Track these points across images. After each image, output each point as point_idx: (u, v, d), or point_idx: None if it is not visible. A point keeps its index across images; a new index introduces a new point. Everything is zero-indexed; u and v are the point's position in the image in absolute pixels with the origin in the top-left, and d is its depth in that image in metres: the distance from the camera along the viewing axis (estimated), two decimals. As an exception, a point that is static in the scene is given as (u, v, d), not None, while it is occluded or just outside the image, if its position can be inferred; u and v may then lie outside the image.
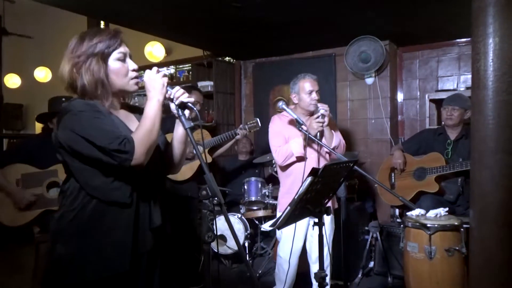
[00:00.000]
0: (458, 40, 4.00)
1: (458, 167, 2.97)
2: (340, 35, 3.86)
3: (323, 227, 1.91)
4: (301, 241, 2.63)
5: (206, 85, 4.91)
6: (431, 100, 4.11)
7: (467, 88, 3.78)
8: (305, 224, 2.58)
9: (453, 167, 3.00)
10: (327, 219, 2.57)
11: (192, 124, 1.41)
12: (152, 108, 1.35)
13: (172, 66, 5.58)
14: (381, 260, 3.34)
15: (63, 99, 2.86)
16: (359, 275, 3.35)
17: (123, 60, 1.41)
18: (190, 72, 5.19)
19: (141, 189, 1.42)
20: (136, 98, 4.72)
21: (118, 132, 1.31)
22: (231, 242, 3.47)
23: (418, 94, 4.26)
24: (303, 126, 2.44)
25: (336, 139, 2.60)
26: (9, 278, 3.56)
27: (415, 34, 3.90)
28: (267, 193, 3.75)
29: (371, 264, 3.44)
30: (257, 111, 4.90)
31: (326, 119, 2.48)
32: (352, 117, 4.34)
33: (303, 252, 2.68)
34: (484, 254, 1.61)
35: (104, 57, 1.36)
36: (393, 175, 3.45)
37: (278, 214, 2.59)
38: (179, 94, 1.41)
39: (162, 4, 3.03)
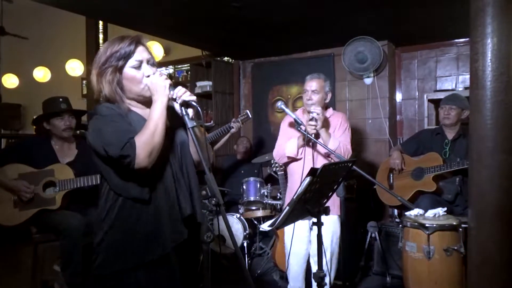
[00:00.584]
0: (456, 40, 4.01)
1: (455, 165, 2.98)
2: (339, 35, 3.86)
3: (323, 227, 1.91)
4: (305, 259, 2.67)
5: (205, 85, 4.91)
6: (430, 100, 4.12)
7: (466, 88, 3.79)
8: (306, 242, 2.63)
9: (450, 166, 3.01)
10: (330, 221, 2.53)
11: (195, 123, 1.41)
12: (156, 111, 1.38)
13: (171, 66, 5.59)
14: (379, 260, 3.34)
15: (61, 99, 2.86)
16: (358, 275, 3.35)
17: (138, 67, 1.44)
18: (189, 72, 5.20)
19: (163, 183, 1.45)
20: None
21: (127, 134, 1.34)
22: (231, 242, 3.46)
23: (417, 94, 4.27)
24: (301, 126, 2.43)
25: (334, 143, 2.48)
26: (9, 277, 3.55)
27: (414, 34, 3.91)
28: (266, 193, 3.74)
29: (370, 264, 3.45)
30: (256, 111, 4.89)
31: (319, 123, 2.41)
32: (351, 117, 4.34)
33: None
34: (483, 254, 1.62)
35: (119, 67, 1.42)
36: (391, 175, 3.46)
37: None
38: (181, 93, 1.43)
39: (161, 4, 3.02)
